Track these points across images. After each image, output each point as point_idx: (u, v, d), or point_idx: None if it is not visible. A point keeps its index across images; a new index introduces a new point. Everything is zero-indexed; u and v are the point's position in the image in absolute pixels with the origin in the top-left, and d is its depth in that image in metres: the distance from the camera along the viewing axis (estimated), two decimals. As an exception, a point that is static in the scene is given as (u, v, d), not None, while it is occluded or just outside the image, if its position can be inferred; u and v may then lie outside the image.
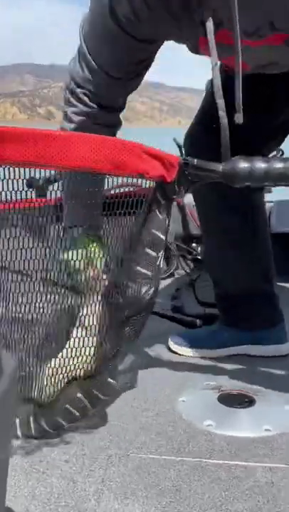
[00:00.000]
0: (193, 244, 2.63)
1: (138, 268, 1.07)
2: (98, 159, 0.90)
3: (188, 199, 2.66)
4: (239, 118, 1.12)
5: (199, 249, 2.59)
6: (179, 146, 3.20)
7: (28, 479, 1.05)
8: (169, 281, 2.47)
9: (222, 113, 1.11)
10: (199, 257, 2.55)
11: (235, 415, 1.28)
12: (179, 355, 1.66)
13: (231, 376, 1.50)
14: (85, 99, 1.30)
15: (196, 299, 2.07)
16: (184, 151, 1.72)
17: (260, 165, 1.04)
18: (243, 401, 1.33)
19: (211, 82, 1.58)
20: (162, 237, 1.07)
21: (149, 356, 1.63)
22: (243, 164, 1.04)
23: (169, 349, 1.68)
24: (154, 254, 1.07)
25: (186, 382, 1.48)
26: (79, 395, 1.15)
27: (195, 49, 1.29)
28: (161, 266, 1.13)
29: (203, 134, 1.54)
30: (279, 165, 1.04)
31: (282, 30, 1.17)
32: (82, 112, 1.32)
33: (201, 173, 1.06)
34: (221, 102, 1.12)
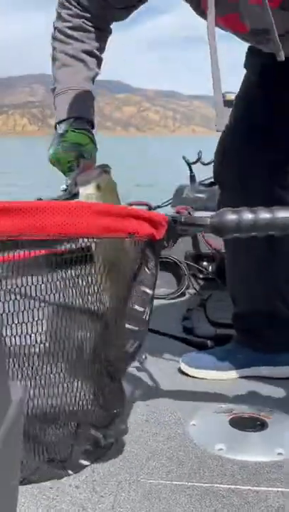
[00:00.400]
0: (204, 263, 2.62)
1: (125, 323, 1.08)
2: (84, 226, 0.93)
3: (199, 218, 2.67)
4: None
5: (210, 268, 2.59)
6: (188, 164, 3.23)
7: (38, 506, 1.04)
8: (179, 301, 2.46)
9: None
10: (210, 276, 2.55)
11: (247, 439, 1.27)
12: (191, 377, 1.64)
13: (243, 398, 1.49)
14: (78, 6, 1.43)
15: (208, 320, 2.06)
16: (217, 161, 1.72)
17: (248, 216, 1.05)
18: (255, 424, 1.32)
19: (242, 94, 1.62)
20: (150, 292, 1.08)
21: (160, 378, 1.62)
22: (230, 216, 1.06)
23: (180, 371, 1.67)
24: (141, 309, 1.08)
25: (198, 405, 1.46)
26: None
27: (198, 7, 1.33)
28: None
29: (237, 145, 1.60)
30: (266, 215, 1.04)
31: None
32: (76, 14, 1.44)
33: (190, 228, 1.10)
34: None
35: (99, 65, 1.49)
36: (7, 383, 0.55)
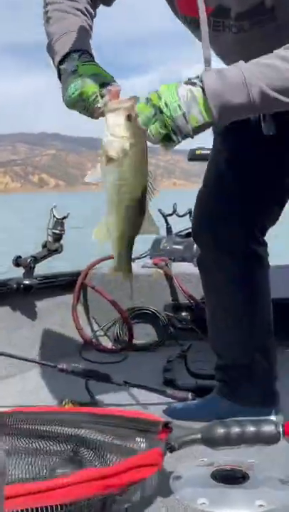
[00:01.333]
0: (183, 313, 2.65)
1: None
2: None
3: (176, 269, 2.72)
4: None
5: (189, 317, 2.62)
6: (164, 217, 3.31)
7: None
8: (159, 352, 2.49)
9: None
10: (190, 326, 2.57)
11: (228, 492, 1.27)
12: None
13: (224, 451, 1.50)
14: None
15: (188, 371, 2.08)
16: (194, 221, 1.80)
17: (235, 429, 1.13)
18: (237, 476, 1.33)
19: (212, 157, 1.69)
20: None
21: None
22: (220, 430, 1.14)
23: (162, 424, 1.68)
24: None
25: (180, 458, 1.47)
26: None
27: None
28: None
29: (211, 206, 1.67)
30: (252, 428, 1.12)
31: None
32: None
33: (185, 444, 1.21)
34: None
35: (90, 27, 1.47)
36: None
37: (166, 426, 1.19)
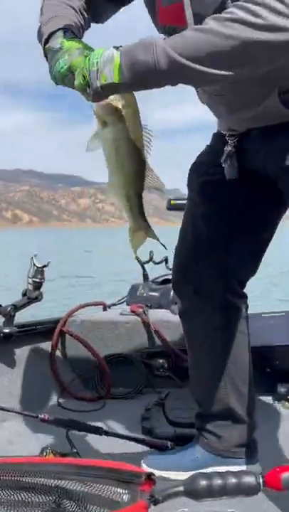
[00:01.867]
0: (160, 361, 2.67)
1: None
2: None
3: (154, 316, 2.75)
4: None
5: (166, 365, 2.64)
6: (141, 264, 3.36)
7: None
8: (137, 400, 2.50)
9: None
10: (167, 374, 2.60)
11: None
12: (152, 479, 1.67)
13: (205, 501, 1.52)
14: None
15: (166, 419, 2.10)
16: (174, 273, 1.83)
17: (217, 481, 1.17)
18: (217, 527, 1.35)
19: (186, 211, 1.75)
20: None
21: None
22: (202, 482, 1.18)
23: (142, 474, 1.69)
24: None
25: (162, 510, 1.48)
26: None
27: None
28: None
29: (190, 258, 1.73)
30: (233, 480, 1.17)
31: None
32: None
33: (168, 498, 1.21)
34: None
35: (82, 25, 1.52)
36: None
37: (149, 477, 1.21)
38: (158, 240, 1.52)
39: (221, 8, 1.30)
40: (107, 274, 17.17)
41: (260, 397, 2.32)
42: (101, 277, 16.82)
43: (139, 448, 1.88)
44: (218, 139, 1.67)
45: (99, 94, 1.25)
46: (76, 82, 1.26)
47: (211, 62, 1.18)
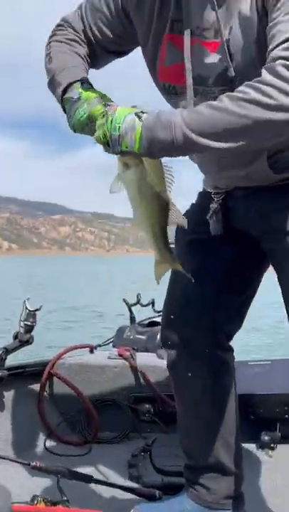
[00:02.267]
0: (147, 406, 2.69)
1: None
2: None
3: (141, 360, 2.79)
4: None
5: (152, 410, 2.66)
6: (128, 306, 3.41)
7: None
8: (124, 445, 2.52)
9: None
10: (154, 419, 2.62)
11: None
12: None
13: None
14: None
15: (154, 467, 2.13)
16: (163, 325, 1.86)
17: None
18: None
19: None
20: None
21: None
22: None
23: (132, 523, 1.72)
24: None
25: None
26: None
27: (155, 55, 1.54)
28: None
29: (178, 312, 1.77)
30: None
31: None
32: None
33: None
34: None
35: (87, 71, 1.60)
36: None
37: None
38: (182, 270, 1.57)
39: (224, 73, 1.43)
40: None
41: (244, 445, 2.36)
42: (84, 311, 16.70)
43: (128, 496, 1.91)
44: (204, 197, 1.75)
45: (117, 154, 1.36)
46: (96, 136, 1.35)
47: (223, 138, 1.28)
